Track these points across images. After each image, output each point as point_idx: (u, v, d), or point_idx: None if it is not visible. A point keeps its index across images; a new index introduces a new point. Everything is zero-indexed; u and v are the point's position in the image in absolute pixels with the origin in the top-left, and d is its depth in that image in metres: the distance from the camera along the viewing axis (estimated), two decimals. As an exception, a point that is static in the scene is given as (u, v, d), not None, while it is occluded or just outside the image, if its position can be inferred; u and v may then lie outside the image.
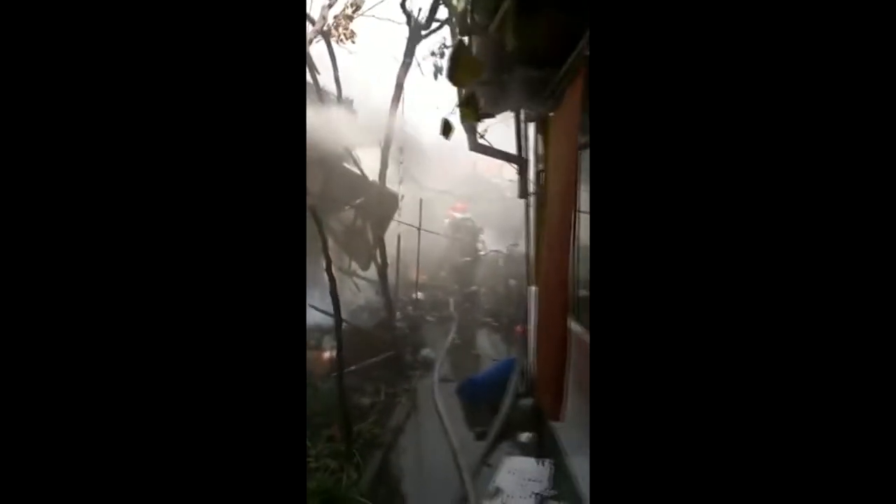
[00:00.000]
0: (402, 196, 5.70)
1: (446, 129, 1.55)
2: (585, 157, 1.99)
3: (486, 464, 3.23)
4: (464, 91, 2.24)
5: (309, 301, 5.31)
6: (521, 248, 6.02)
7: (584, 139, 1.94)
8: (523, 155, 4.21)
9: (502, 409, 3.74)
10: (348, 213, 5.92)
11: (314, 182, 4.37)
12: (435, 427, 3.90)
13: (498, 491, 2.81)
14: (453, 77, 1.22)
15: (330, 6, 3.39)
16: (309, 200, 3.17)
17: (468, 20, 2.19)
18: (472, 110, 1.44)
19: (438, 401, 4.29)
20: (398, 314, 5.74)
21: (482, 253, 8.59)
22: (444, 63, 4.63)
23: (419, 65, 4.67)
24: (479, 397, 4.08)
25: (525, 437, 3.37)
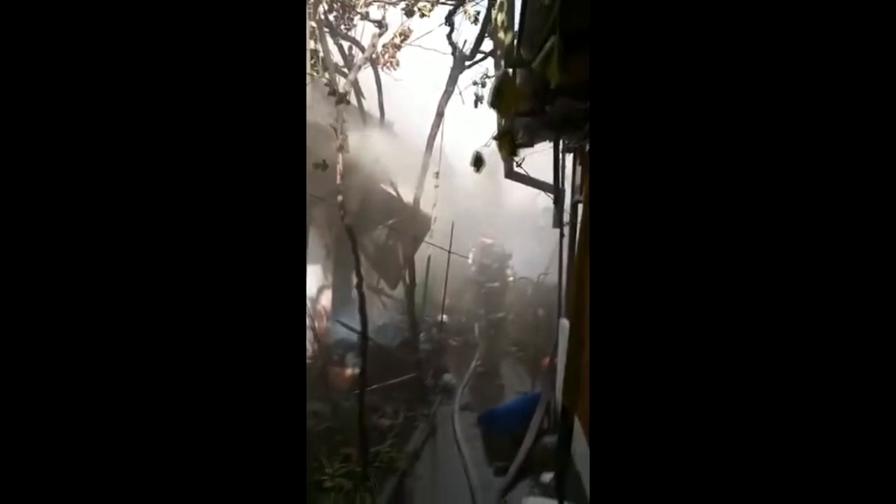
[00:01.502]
0: (435, 219, 5.77)
1: (477, 161, 1.58)
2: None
3: (504, 501, 3.09)
4: (503, 122, 2.27)
5: (336, 317, 5.40)
6: (552, 277, 5.90)
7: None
8: (560, 185, 4.18)
9: (524, 445, 3.59)
10: (381, 233, 6.03)
11: (353, 201, 4.49)
12: (453, 456, 3.78)
13: (516, 533, 2.67)
14: (495, 105, 1.27)
15: (380, 35, 3.57)
16: (347, 220, 3.27)
17: (514, 54, 2.24)
18: (508, 144, 1.46)
19: (458, 430, 4.18)
20: (422, 335, 5.71)
21: (511, 279, 8.48)
22: (485, 92, 4.75)
23: (460, 94, 4.79)
24: (502, 430, 3.95)
25: (548, 477, 3.22)
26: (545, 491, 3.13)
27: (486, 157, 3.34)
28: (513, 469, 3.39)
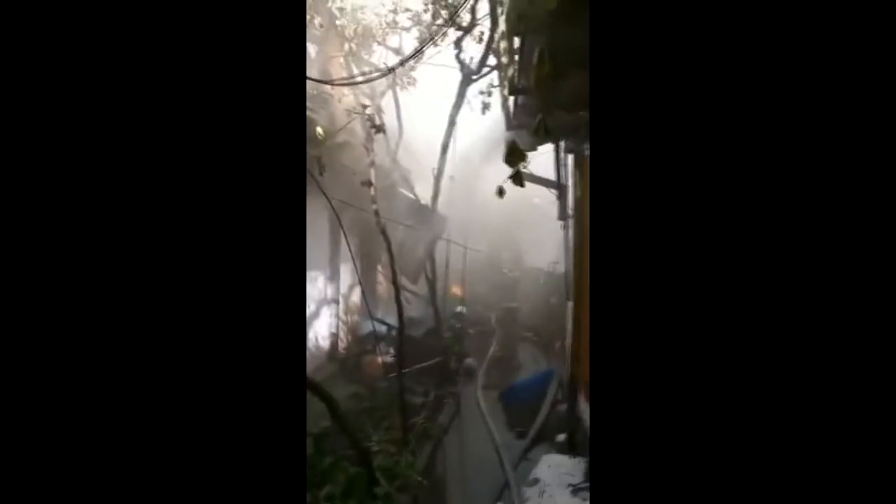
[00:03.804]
0: (449, 218, 6.27)
1: (500, 192, 2.13)
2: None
3: (525, 458, 3.62)
4: (511, 139, 2.78)
5: (364, 312, 5.96)
6: (562, 266, 6.36)
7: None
8: (562, 181, 4.67)
9: (542, 412, 4.12)
10: (401, 232, 6.56)
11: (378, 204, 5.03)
12: (478, 426, 4.32)
13: (537, 481, 3.19)
14: (508, 162, 1.83)
15: (401, 62, 4.08)
16: (381, 224, 3.80)
17: (516, 82, 2.74)
18: (517, 157, 1.98)
19: (482, 404, 4.71)
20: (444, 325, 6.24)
21: (517, 272, 8.91)
22: (491, 101, 5.23)
23: (469, 103, 5.29)
24: (521, 402, 4.48)
25: (561, 437, 3.73)
26: (560, 449, 3.64)
27: (495, 158, 3.78)
28: (532, 432, 3.91)
